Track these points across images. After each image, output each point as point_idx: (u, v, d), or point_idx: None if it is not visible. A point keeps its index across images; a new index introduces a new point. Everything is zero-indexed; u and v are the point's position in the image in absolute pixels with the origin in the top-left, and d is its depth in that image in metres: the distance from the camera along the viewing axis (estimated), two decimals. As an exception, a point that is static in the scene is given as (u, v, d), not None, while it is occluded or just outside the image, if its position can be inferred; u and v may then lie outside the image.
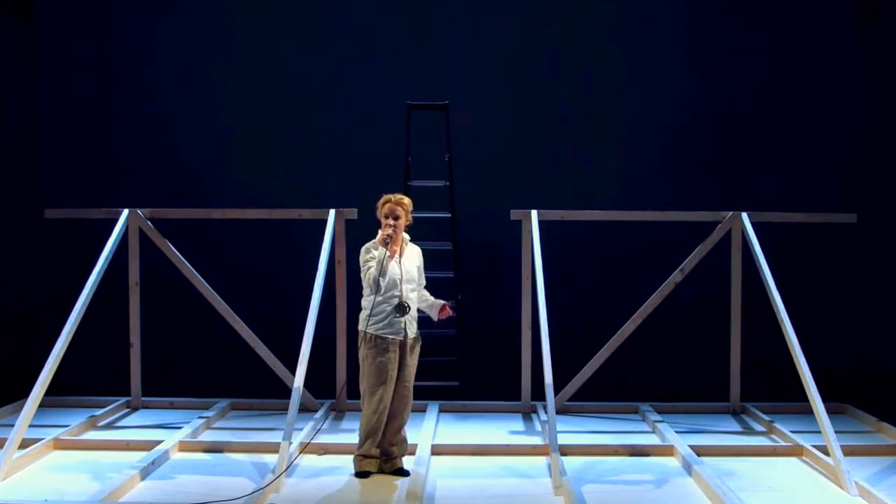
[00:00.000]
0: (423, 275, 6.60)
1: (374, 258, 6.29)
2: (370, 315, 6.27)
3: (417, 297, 6.49)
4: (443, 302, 6.59)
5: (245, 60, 9.44)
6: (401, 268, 6.32)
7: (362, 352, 6.33)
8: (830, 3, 9.30)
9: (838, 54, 9.28)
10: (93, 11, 9.45)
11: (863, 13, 9.24)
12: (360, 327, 6.35)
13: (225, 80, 9.44)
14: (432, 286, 6.76)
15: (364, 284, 6.36)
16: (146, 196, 8.99)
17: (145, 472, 6.40)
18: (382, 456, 6.41)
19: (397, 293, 6.27)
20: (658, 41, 9.36)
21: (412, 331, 6.37)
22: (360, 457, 6.39)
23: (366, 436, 6.35)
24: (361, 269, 6.37)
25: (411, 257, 6.43)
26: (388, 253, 6.26)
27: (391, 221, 6.30)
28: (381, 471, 6.41)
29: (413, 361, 6.41)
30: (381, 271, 6.23)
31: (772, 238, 8.35)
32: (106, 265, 7.74)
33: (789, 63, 9.31)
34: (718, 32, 9.35)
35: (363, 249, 6.41)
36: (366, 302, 6.35)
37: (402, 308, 6.27)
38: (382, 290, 6.25)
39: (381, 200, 6.40)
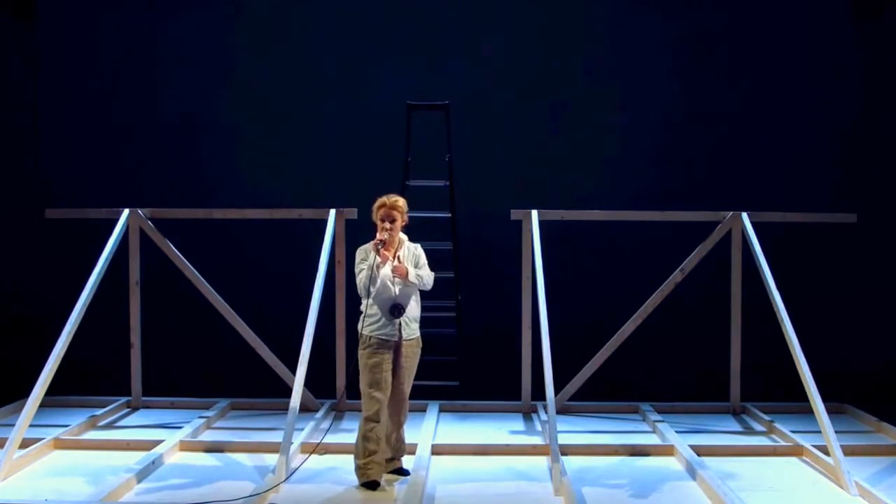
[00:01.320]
0: (425, 269, 6.40)
1: (366, 262, 6.22)
2: (365, 316, 6.25)
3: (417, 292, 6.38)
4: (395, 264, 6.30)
5: (246, 60, 9.44)
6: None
7: (359, 353, 6.27)
8: (830, 3, 9.30)
9: (838, 54, 9.28)
10: (93, 10, 9.45)
11: (863, 13, 9.24)
12: (358, 328, 6.30)
13: (226, 79, 9.45)
14: (433, 285, 6.70)
15: (358, 288, 6.32)
16: (147, 196, 8.99)
17: (145, 472, 6.40)
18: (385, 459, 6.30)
19: (391, 296, 6.21)
20: (658, 41, 9.36)
21: (407, 332, 6.27)
22: (361, 469, 6.21)
23: (364, 446, 6.18)
24: (356, 272, 6.32)
25: (406, 259, 6.33)
26: (378, 260, 6.18)
27: (387, 225, 6.24)
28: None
29: (409, 364, 6.31)
30: (371, 278, 6.17)
31: (772, 238, 8.36)
32: (106, 265, 7.75)
33: (789, 63, 9.31)
34: (718, 32, 9.35)
35: (358, 251, 6.34)
36: (362, 305, 6.31)
37: (395, 310, 6.20)
38: (373, 294, 6.19)
39: (377, 204, 6.31)
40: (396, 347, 6.24)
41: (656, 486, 6.31)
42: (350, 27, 9.40)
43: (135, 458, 6.68)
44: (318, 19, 9.41)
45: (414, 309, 6.35)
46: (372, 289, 6.18)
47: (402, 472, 6.38)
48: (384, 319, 6.20)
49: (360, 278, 6.23)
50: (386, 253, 6.22)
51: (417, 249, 6.45)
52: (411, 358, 6.33)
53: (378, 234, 6.24)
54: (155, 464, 6.58)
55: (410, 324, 6.31)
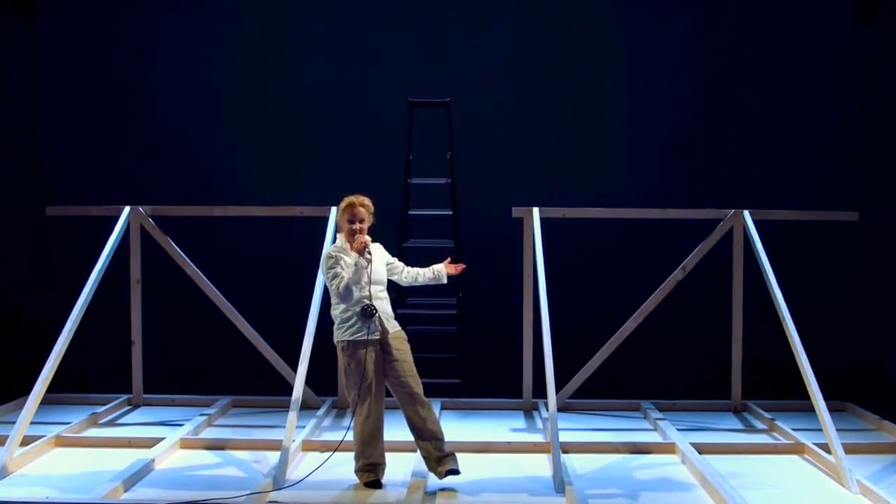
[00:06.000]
0: (397, 261, 6.39)
1: (339, 267, 6.02)
2: (341, 322, 6.08)
3: (411, 276, 6.38)
4: (441, 267, 6.37)
5: (247, 57, 9.44)
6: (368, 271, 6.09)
7: (343, 362, 6.10)
8: (830, 3, 9.29)
9: (838, 53, 9.27)
10: (94, 7, 9.45)
11: (862, 13, 9.22)
12: (335, 339, 6.14)
13: (227, 77, 9.45)
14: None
15: (332, 294, 6.09)
16: (148, 193, 8.98)
17: (145, 471, 6.39)
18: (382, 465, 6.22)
19: (364, 296, 6.03)
20: (659, 39, 9.36)
21: (391, 326, 6.14)
22: (361, 471, 6.16)
23: (362, 447, 6.11)
24: (326, 278, 6.10)
25: (377, 257, 6.21)
26: (366, 262, 6.02)
27: (359, 226, 6.08)
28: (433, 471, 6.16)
29: (402, 356, 6.12)
30: (356, 279, 5.98)
31: (773, 236, 8.35)
32: (107, 262, 7.74)
33: (790, 62, 9.31)
34: (719, 31, 9.35)
35: (326, 256, 6.13)
36: (336, 311, 6.12)
37: (366, 311, 6.01)
38: (354, 298, 6.01)
39: (344, 204, 6.15)
40: (382, 345, 6.10)
41: (657, 484, 6.31)
42: (351, 24, 9.39)
43: (136, 456, 6.67)
44: (318, 17, 9.40)
45: (387, 306, 6.22)
46: (356, 290, 6.00)
47: (453, 471, 6.10)
48: (361, 321, 6.03)
49: (342, 282, 5.98)
50: (369, 255, 6.09)
51: (381, 249, 6.31)
52: (402, 350, 6.14)
53: (358, 237, 6.06)
54: (155, 462, 6.57)
55: (389, 319, 6.18)
